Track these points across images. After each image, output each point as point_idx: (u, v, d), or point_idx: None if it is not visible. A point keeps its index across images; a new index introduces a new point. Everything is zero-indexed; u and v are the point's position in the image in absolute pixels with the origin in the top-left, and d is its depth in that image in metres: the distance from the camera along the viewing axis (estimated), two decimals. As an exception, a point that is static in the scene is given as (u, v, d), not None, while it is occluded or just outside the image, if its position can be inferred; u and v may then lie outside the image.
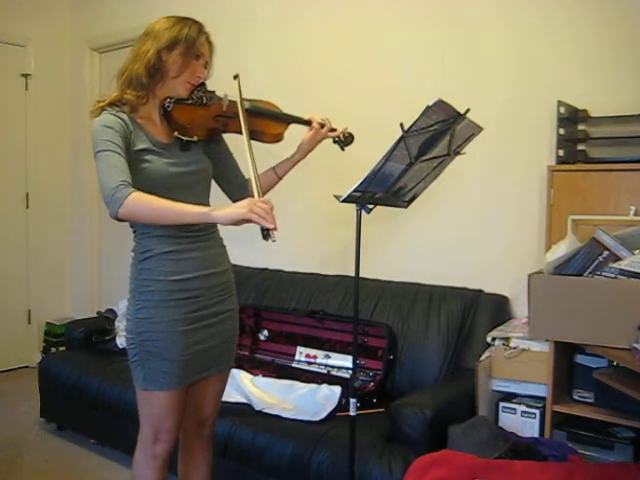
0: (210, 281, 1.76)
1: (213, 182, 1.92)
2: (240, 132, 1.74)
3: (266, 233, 1.47)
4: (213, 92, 1.81)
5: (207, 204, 1.83)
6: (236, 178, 1.94)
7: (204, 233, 1.76)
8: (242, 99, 1.78)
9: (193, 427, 1.90)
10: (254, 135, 1.84)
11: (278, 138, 1.91)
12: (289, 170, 1.94)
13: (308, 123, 1.93)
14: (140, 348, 1.69)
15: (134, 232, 1.74)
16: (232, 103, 1.80)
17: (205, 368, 1.79)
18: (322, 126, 1.92)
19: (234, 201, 1.94)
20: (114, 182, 1.50)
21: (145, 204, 1.51)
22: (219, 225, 1.84)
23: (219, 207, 1.52)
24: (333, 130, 1.94)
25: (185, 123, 1.73)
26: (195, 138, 1.76)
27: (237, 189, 1.94)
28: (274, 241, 1.46)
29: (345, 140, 1.99)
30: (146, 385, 1.70)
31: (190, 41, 1.68)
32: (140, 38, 1.71)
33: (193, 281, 1.71)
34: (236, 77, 1.82)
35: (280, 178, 1.94)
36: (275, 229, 1.46)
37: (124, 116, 1.65)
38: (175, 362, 1.69)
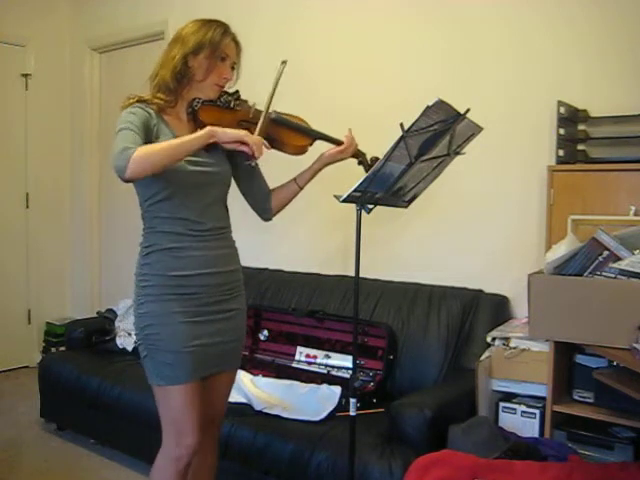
0: (213, 279, 1.76)
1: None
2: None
3: (251, 160, 1.66)
4: (245, 101, 1.84)
5: (224, 208, 1.85)
6: (259, 188, 1.94)
7: (210, 233, 1.76)
8: (276, 83, 1.81)
9: (203, 424, 1.88)
10: (275, 144, 1.85)
11: (301, 150, 1.91)
12: (310, 180, 1.94)
13: (339, 143, 1.93)
14: (145, 343, 1.72)
15: (143, 226, 1.77)
16: (259, 112, 1.80)
17: (214, 364, 1.79)
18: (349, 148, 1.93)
19: (257, 210, 1.97)
20: (123, 145, 1.53)
21: (154, 150, 1.54)
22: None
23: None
24: (360, 151, 1.96)
25: (209, 124, 1.71)
26: None
27: (261, 199, 1.94)
28: (253, 166, 1.75)
29: (371, 164, 1.97)
30: (158, 380, 1.71)
31: (214, 44, 1.73)
32: (169, 43, 1.78)
33: (192, 278, 1.71)
34: (284, 62, 1.86)
35: (301, 188, 1.95)
36: (257, 158, 1.65)
37: (151, 110, 1.70)
38: (179, 354, 1.69)
